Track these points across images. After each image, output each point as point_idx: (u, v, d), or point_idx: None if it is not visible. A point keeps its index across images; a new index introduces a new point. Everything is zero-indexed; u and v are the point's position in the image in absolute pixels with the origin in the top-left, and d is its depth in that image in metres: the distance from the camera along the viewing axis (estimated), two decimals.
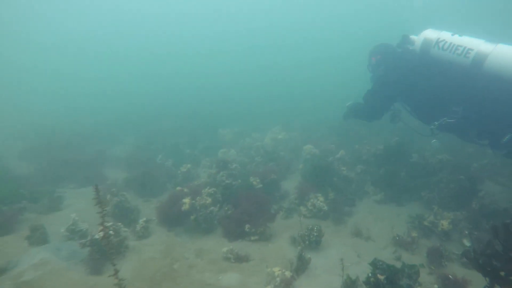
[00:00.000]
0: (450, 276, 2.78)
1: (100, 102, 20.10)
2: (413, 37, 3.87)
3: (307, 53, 38.10)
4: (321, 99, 16.80)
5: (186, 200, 4.47)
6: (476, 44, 3.29)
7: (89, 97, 22.13)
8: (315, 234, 3.83)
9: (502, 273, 1.99)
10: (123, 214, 4.51)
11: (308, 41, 40.20)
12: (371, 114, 4.19)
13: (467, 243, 3.46)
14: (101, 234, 2.13)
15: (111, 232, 3.33)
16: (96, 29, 39.43)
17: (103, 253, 3.26)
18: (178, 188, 4.99)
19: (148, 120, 13.90)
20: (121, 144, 10.59)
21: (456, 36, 3.46)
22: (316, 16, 37.82)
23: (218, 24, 41.46)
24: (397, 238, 3.70)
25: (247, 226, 4.18)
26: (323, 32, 38.79)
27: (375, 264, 2.45)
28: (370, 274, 2.39)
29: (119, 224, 3.79)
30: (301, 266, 3.28)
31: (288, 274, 3.00)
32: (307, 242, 3.78)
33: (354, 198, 5.30)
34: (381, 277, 2.28)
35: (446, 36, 3.48)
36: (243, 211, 4.48)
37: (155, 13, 40.03)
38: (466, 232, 3.46)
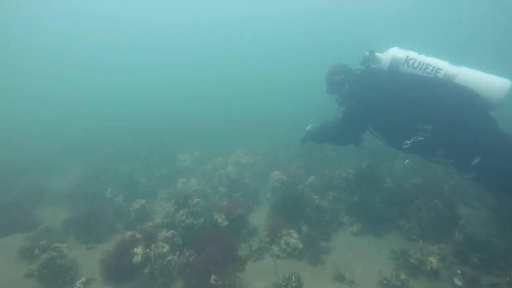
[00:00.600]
0: None
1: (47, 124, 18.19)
2: (378, 54, 3.74)
3: (271, 75, 38.45)
4: (284, 120, 16.74)
5: (138, 250, 3.69)
6: (443, 64, 3.33)
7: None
8: (293, 284, 3.29)
9: None
10: (55, 275, 3.57)
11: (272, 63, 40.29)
12: (348, 137, 3.87)
13: (458, 282, 3.15)
14: None
15: None
16: None
17: None
18: (129, 233, 4.18)
19: (100, 142, 12.65)
20: (65, 173, 9.31)
21: (423, 55, 3.46)
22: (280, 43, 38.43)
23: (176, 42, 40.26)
24: (385, 282, 3.28)
25: (213, 277, 3.51)
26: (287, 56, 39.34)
27: None
28: None
29: None
30: None
31: None
32: None
33: (329, 231, 4.88)
34: None
35: (414, 54, 3.46)
36: (207, 257, 3.81)
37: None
38: (458, 271, 3.16)
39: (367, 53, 3.74)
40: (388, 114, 3.52)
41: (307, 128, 4.13)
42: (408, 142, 3.31)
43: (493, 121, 3.20)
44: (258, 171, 8.11)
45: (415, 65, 3.39)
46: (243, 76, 35.96)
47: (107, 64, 38.00)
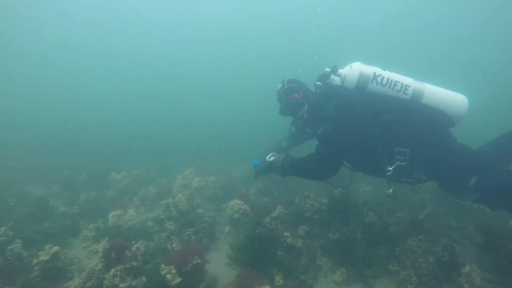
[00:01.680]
0: None
1: None
2: (339, 70, 3.20)
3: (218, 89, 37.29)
4: (238, 133, 15.80)
5: None
6: (409, 81, 3.11)
7: None
8: None
9: None
10: None
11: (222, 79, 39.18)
12: (329, 171, 3.01)
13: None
14: None
15: None
16: None
17: None
18: None
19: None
20: None
21: (387, 71, 3.15)
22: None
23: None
24: None
25: None
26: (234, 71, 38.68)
27: None
28: None
29: None
30: None
31: None
32: None
33: (307, 280, 3.95)
34: None
35: (379, 70, 3.11)
36: None
37: None
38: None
39: (328, 68, 3.15)
40: (364, 140, 2.96)
41: (268, 158, 3.25)
42: (390, 168, 2.89)
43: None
44: (212, 196, 6.92)
45: (384, 82, 3.04)
46: (189, 84, 34.66)
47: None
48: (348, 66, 3.18)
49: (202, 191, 6.91)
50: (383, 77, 3.05)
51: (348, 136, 2.94)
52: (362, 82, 3.04)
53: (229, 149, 13.40)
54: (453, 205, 5.67)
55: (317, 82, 3.23)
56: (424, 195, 6.27)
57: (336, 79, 3.23)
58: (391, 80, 3.06)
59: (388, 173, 2.88)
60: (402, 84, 3.07)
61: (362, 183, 8.08)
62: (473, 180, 2.83)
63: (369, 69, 3.07)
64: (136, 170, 8.11)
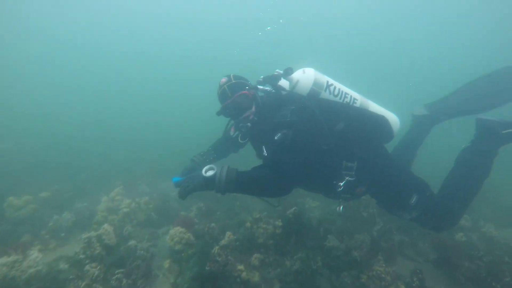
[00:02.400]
0: None
1: None
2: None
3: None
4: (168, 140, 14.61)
5: None
6: (356, 94, 3.06)
7: None
8: None
9: None
10: None
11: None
12: (289, 185, 2.48)
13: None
14: None
15: None
16: None
17: None
18: None
19: None
20: None
21: (336, 82, 3.00)
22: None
23: None
24: None
25: None
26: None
27: None
28: None
29: None
30: None
31: None
32: None
33: None
34: None
35: (331, 80, 2.94)
36: None
37: None
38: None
39: (279, 70, 2.74)
40: (318, 152, 2.60)
41: (206, 173, 2.35)
42: (341, 184, 2.66)
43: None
44: (145, 220, 5.90)
45: (336, 92, 2.90)
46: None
47: None
48: (300, 71, 2.89)
49: (134, 215, 5.84)
50: (335, 87, 2.90)
51: (307, 146, 2.50)
52: (316, 89, 2.81)
53: (159, 158, 12.25)
54: (401, 220, 5.77)
55: (260, 86, 2.80)
56: (371, 209, 6.30)
57: (284, 83, 2.90)
58: (342, 91, 2.94)
59: (338, 189, 2.66)
60: (351, 96, 2.99)
61: (307, 198, 7.93)
62: (414, 199, 2.84)
63: (323, 77, 2.88)
64: (47, 192, 6.55)
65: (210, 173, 2.32)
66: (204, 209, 6.43)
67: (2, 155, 10.72)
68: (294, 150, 2.45)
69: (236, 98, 2.66)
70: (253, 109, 2.73)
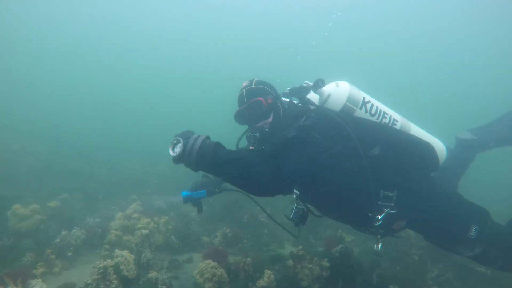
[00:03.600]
0: None
1: None
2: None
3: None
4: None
5: None
6: (397, 116, 2.65)
7: None
8: None
9: None
10: None
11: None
12: (281, 182, 1.98)
13: None
14: None
15: None
16: None
17: None
18: None
19: None
20: None
21: (374, 99, 2.60)
22: None
23: None
24: None
25: None
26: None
27: None
28: None
29: None
30: None
31: None
32: None
33: None
34: None
35: (368, 97, 2.55)
36: None
37: None
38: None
39: (308, 82, 2.46)
40: (344, 175, 2.18)
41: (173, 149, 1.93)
42: (379, 217, 2.18)
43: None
44: (164, 244, 5.18)
45: (373, 111, 2.50)
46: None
47: None
48: (333, 84, 2.53)
49: (152, 237, 5.10)
50: (372, 105, 2.50)
51: (321, 150, 2.11)
52: (350, 106, 2.43)
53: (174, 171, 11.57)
54: (456, 266, 4.94)
55: (285, 99, 2.52)
56: (417, 250, 5.49)
57: (314, 97, 2.52)
58: (380, 110, 2.53)
59: (376, 223, 2.19)
60: (390, 117, 2.58)
61: (340, 229, 7.14)
62: (473, 230, 2.38)
63: (359, 93, 2.49)
64: (55, 202, 5.87)
65: (178, 148, 1.86)
66: (230, 236, 5.67)
67: (11, 156, 10.18)
68: (306, 146, 2.06)
69: (251, 104, 2.41)
70: (270, 119, 2.42)
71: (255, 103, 2.40)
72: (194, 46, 38.97)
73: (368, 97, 2.52)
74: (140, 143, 17.75)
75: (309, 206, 2.51)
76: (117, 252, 4.40)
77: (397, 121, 2.61)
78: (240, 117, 2.55)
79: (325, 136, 2.10)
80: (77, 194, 7.68)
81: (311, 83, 2.43)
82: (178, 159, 1.86)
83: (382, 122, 2.53)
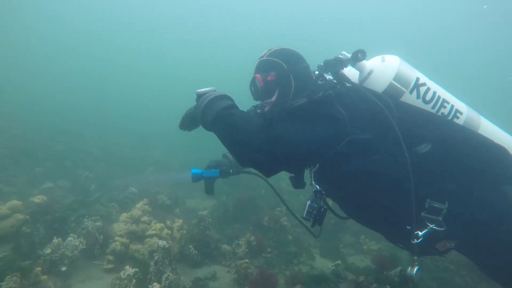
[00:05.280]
0: None
1: None
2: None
3: None
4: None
5: None
6: (462, 106, 1.99)
7: None
8: None
9: None
10: None
11: None
12: (274, 159, 1.57)
13: None
14: None
15: None
16: None
17: None
18: None
19: None
20: None
21: (432, 82, 1.94)
22: None
23: None
24: None
25: None
26: None
27: None
28: None
29: None
30: None
31: None
32: None
33: None
34: None
35: (424, 78, 1.92)
36: None
37: None
38: None
39: (346, 53, 1.91)
40: (372, 170, 1.72)
41: (198, 91, 1.85)
42: (420, 233, 1.66)
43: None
44: (178, 253, 4.25)
45: (428, 96, 1.88)
46: None
47: None
48: (378, 58, 1.97)
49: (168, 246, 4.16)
50: (428, 89, 1.89)
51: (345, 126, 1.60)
52: (397, 87, 1.87)
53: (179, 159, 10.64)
54: None
55: (316, 72, 2.05)
56: (462, 271, 4.87)
57: (353, 73, 2.00)
58: (439, 97, 1.91)
59: (415, 240, 1.67)
60: (452, 107, 1.95)
61: (363, 235, 6.47)
62: None
63: (412, 71, 1.90)
64: (42, 196, 4.72)
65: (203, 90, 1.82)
66: (255, 244, 4.82)
67: None
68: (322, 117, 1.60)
69: (253, 79, 2.05)
70: (273, 98, 2.02)
71: (252, 80, 2.04)
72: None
73: (423, 78, 1.90)
74: (129, 122, 16.34)
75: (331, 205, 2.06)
76: (128, 270, 3.49)
77: (461, 113, 1.98)
78: (258, 92, 2.06)
79: (352, 115, 1.60)
80: (63, 182, 6.53)
81: (349, 55, 1.88)
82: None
83: (439, 113, 1.91)
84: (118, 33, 39.11)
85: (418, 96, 1.86)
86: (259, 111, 2.04)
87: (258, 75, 1.99)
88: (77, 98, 20.48)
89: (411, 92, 1.85)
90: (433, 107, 1.90)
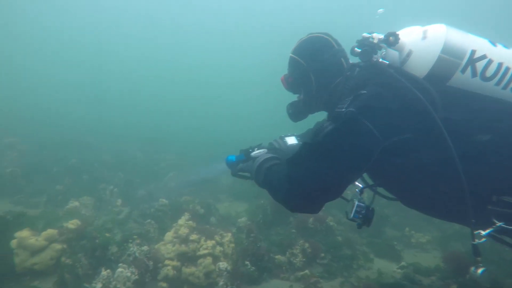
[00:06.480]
0: None
1: None
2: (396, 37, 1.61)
3: None
4: None
5: None
6: None
7: None
8: None
9: None
10: None
11: None
12: (305, 200, 1.53)
13: None
14: None
15: None
16: None
17: None
18: None
19: None
20: None
21: (501, 47, 1.51)
22: None
23: None
24: None
25: None
26: None
27: None
28: None
29: None
30: None
31: None
32: None
33: None
34: None
35: (483, 46, 1.48)
36: None
37: None
38: None
39: (377, 34, 1.66)
40: (433, 171, 1.52)
41: (253, 152, 1.94)
42: (483, 232, 1.44)
43: None
44: (234, 272, 3.88)
45: (489, 72, 1.46)
46: None
47: None
48: (418, 32, 1.58)
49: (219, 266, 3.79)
50: (489, 62, 1.46)
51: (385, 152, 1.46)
52: (443, 70, 1.48)
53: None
54: None
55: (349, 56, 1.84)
56: None
57: (390, 55, 1.66)
58: (507, 68, 1.47)
59: (476, 240, 1.43)
60: None
61: (407, 228, 6.15)
62: None
63: (464, 43, 1.47)
64: (76, 221, 4.28)
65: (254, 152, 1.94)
66: (310, 252, 4.48)
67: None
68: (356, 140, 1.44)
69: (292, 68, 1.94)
70: (302, 96, 1.96)
71: (295, 65, 1.93)
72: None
73: (483, 47, 1.48)
74: (133, 127, 15.87)
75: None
76: None
77: None
78: (291, 83, 2.04)
79: (382, 121, 1.44)
80: (86, 199, 6.11)
81: (382, 36, 1.64)
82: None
83: (508, 89, 1.50)
84: (118, 38, 38.76)
85: (474, 74, 1.48)
86: (290, 111, 2.00)
87: (282, 77, 1.98)
88: (77, 107, 19.96)
89: (463, 71, 1.47)
90: (497, 84, 1.50)
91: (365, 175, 1.83)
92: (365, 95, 1.48)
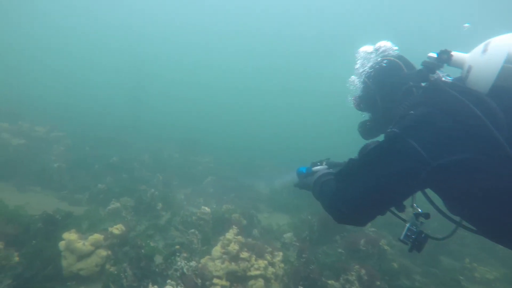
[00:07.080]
0: None
1: None
2: (456, 54, 1.55)
3: None
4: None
5: None
6: None
7: None
8: None
9: None
10: None
11: None
12: (357, 213, 1.53)
13: None
14: None
15: None
16: None
17: None
18: None
19: None
20: None
21: None
22: None
23: None
24: None
25: None
26: None
27: None
28: None
29: None
30: None
31: None
32: None
33: None
34: None
35: None
36: None
37: None
38: None
39: (432, 53, 1.64)
40: (489, 195, 1.27)
41: (313, 167, 2.04)
42: None
43: None
44: None
45: None
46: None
47: None
48: (479, 47, 1.43)
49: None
50: None
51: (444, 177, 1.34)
52: (506, 85, 1.31)
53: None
54: None
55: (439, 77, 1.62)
56: None
57: (473, 71, 1.46)
58: None
59: None
60: None
61: (467, 259, 5.50)
62: None
63: None
64: (120, 226, 4.14)
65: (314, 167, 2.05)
66: (366, 280, 4.03)
67: (37, 144, 8.46)
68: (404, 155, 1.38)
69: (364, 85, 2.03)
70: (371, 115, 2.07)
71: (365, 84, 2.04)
72: None
73: None
74: (168, 128, 16.04)
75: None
76: None
77: None
78: (359, 100, 2.16)
79: (431, 140, 1.33)
80: (127, 200, 6.03)
81: (435, 54, 1.62)
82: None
83: None
84: (162, 46, 40.31)
85: None
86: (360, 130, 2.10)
87: (353, 98, 2.11)
88: (117, 107, 20.80)
89: None
90: None
91: (442, 206, 1.63)
92: (412, 115, 1.45)
